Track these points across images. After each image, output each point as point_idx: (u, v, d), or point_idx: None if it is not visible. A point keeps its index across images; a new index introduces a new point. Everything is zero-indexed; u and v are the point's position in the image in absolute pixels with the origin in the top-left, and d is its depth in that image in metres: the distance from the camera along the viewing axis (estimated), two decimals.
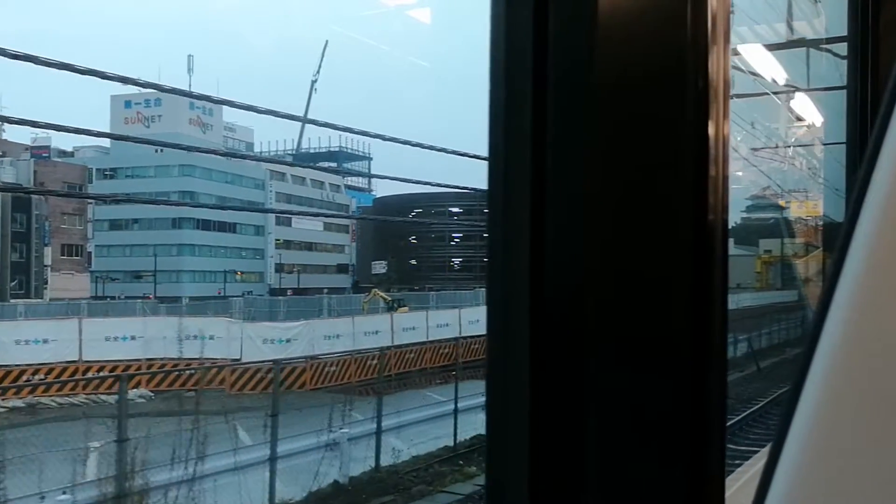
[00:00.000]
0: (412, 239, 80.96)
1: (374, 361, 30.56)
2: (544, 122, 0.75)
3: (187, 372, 26.42)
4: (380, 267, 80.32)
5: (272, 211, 76.15)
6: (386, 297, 56.64)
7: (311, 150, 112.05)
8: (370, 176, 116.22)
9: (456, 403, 19.78)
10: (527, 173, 0.76)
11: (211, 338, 30.92)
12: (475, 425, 19.03)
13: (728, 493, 0.79)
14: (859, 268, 0.65)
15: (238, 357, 31.10)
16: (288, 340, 32.95)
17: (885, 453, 0.63)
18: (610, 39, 0.72)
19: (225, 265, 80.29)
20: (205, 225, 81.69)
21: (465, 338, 36.85)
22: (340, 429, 16.39)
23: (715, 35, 0.74)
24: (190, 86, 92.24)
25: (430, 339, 38.18)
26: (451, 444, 18.75)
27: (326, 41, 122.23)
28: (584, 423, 0.74)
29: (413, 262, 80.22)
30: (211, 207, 69.49)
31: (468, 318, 41.70)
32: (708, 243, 0.74)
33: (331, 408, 17.29)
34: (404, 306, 53.17)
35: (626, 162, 0.74)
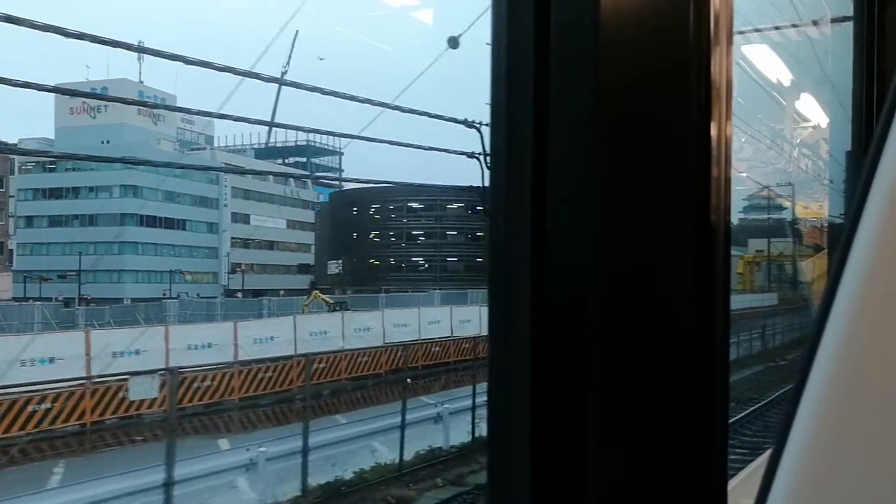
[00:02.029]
0: (372, 236, 75.43)
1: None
2: (546, 123, 0.75)
3: None
4: (335, 266, 75.02)
5: (215, 168, 70.81)
6: (327, 299, 52.07)
7: (279, 145, 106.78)
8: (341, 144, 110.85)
9: None
10: (528, 173, 0.76)
11: None
12: None
13: (730, 491, 0.79)
14: (862, 267, 0.65)
15: None
16: None
17: (888, 454, 0.62)
18: (612, 40, 0.72)
19: (173, 265, 74.90)
20: (150, 221, 76.28)
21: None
22: None
23: (718, 35, 0.74)
24: (140, 75, 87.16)
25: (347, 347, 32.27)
26: None
27: (296, 31, 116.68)
28: (586, 425, 0.74)
29: (374, 261, 74.65)
30: (133, 163, 63.72)
31: (394, 322, 35.95)
32: (710, 244, 0.74)
33: None
34: (347, 309, 48.54)
35: (629, 162, 0.73)
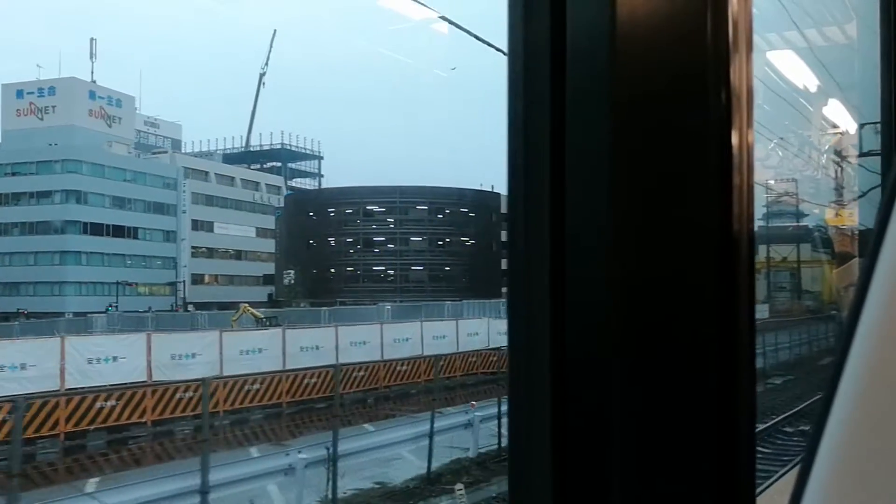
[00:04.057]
0: (328, 243, 68.73)
1: None
2: (563, 132, 0.75)
3: None
4: (288, 277, 68.66)
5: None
6: (257, 313, 46.21)
7: (253, 149, 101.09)
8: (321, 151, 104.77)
9: None
10: (546, 183, 0.76)
11: None
12: None
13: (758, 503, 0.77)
14: (891, 272, 0.64)
15: None
16: None
17: None
18: (629, 48, 0.72)
19: (123, 276, 69.13)
20: (95, 229, 70.59)
21: None
22: None
23: (737, 42, 0.73)
24: (92, 74, 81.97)
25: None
26: None
27: (274, 31, 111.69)
28: (608, 436, 0.73)
29: (331, 270, 67.96)
30: None
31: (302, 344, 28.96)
32: (734, 252, 0.73)
33: None
34: (278, 325, 42.83)
35: (648, 171, 0.73)
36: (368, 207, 67.71)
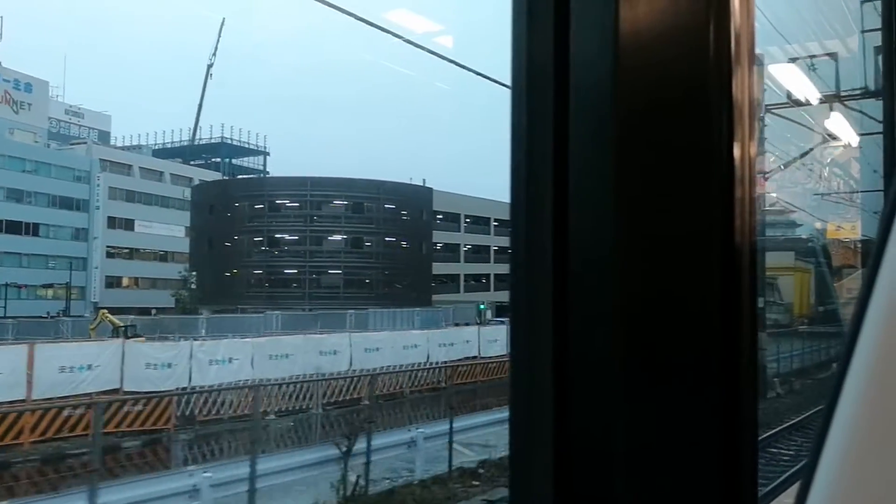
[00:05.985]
0: (232, 242, 61.26)
1: None
2: (566, 144, 0.75)
3: None
4: (192, 280, 61.48)
5: None
6: (116, 321, 39.38)
7: (195, 143, 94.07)
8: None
9: None
10: (549, 194, 0.76)
11: None
12: None
13: None
14: (892, 282, 0.64)
15: None
16: None
17: None
18: (631, 61, 0.72)
19: (15, 277, 62.14)
20: None
21: None
22: None
23: (739, 55, 0.74)
24: None
25: None
26: None
27: (223, 18, 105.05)
28: (610, 444, 0.73)
29: (234, 272, 60.45)
30: None
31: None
32: (736, 265, 0.73)
33: None
34: (140, 336, 36.40)
35: (651, 184, 0.73)
36: (277, 201, 60.44)
